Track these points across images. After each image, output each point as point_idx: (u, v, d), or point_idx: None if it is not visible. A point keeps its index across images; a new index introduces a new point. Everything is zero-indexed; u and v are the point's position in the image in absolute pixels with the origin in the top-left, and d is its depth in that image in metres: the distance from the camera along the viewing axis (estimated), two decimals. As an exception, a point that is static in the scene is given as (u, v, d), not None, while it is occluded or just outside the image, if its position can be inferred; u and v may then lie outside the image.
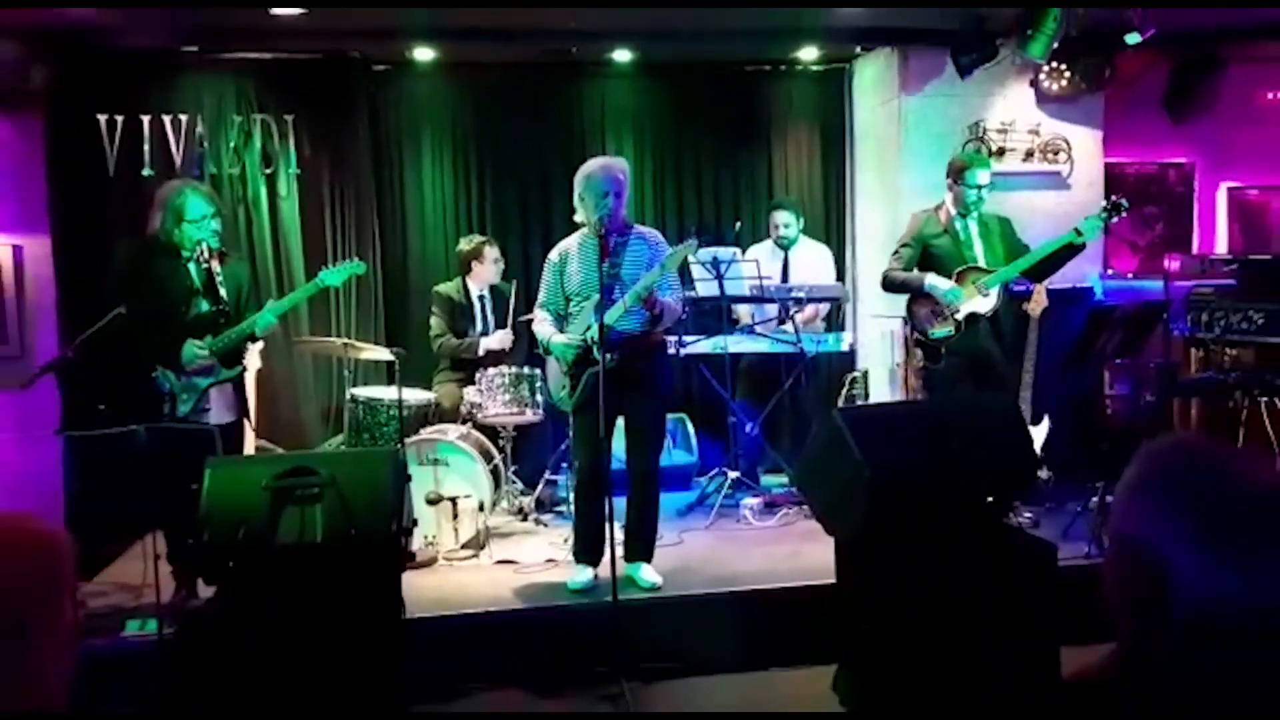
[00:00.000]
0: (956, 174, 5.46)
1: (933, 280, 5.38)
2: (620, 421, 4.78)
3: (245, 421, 5.06)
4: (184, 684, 3.48)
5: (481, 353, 6.01)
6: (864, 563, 3.79)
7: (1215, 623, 1.31)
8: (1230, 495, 1.36)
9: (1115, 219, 5.40)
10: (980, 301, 5.36)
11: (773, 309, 6.35)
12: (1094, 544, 4.82)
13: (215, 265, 4.70)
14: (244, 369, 4.98)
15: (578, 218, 4.75)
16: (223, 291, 4.70)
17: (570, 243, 4.82)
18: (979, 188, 5.41)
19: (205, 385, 4.72)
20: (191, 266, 4.72)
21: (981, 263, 5.42)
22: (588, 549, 4.75)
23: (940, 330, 5.42)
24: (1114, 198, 5.45)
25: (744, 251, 6.52)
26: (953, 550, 3.62)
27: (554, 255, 4.85)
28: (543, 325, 4.83)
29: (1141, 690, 1.35)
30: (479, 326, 6.20)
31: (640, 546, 4.79)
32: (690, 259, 5.36)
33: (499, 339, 6.05)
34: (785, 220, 6.55)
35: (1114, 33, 5.98)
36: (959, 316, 5.35)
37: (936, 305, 5.40)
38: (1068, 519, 5.21)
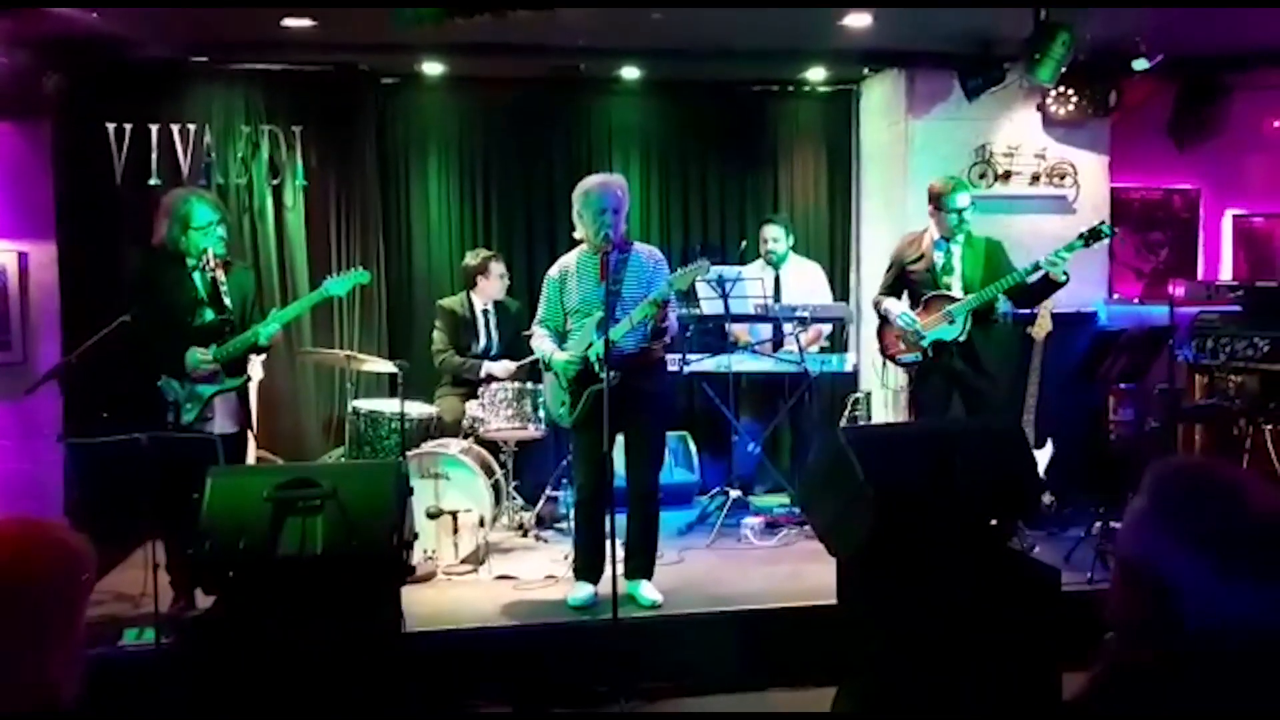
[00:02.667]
0: (936, 199, 5.42)
1: (889, 306, 5.52)
2: (620, 438, 4.77)
3: (248, 432, 5.05)
4: (181, 694, 3.46)
5: (483, 375, 5.99)
6: (866, 584, 3.77)
7: (1226, 644, 1.30)
8: (1241, 519, 1.35)
9: (1095, 243, 5.29)
10: (947, 329, 5.37)
11: (767, 331, 6.35)
12: (1097, 568, 4.80)
13: (220, 274, 4.71)
14: (248, 378, 4.98)
15: (577, 234, 4.75)
16: (228, 301, 4.71)
17: (570, 260, 4.81)
18: (959, 211, 5.37)
19: (209, 394, 4.71)
20: (197, 276, 4.72)
21: (957, 289, 5.40)
22: (588, 566, 4.74)
23: (908, 356, 5.52)
24: (1099, 224, 5.33)
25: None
26: (956, 573, 3.61)
27: (554, 272, 4.84)
28: (542, 341, 4.82)
29: (1143, 710, 1.34)
30: (482, 342, 6.19)
31: (641, 564, 4.77)
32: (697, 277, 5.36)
33: (502, 368, 6.01)
34: (774, 235, 6.53)
35: (1121, 59, 6.00)
36: (923, 344, 5.38)
37: (904, 331, 5.46)
38: (1071, 543, 5.19)
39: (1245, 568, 1.31)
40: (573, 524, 4.95)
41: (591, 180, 4.72)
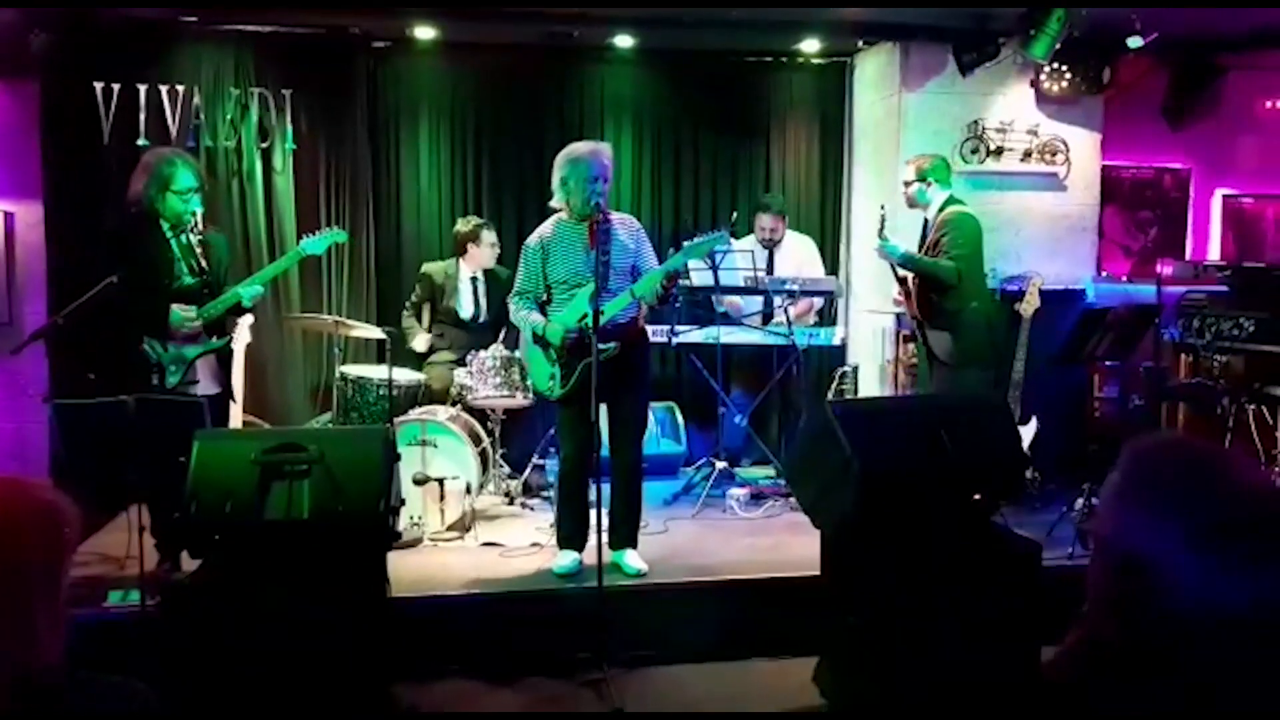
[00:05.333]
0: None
1: None
2: (602, 409, 4.77)
3: (230, 397, 5.04)
4: (165, 656, 3.47)
5: (419, 347, 6.06)
6: (849, 556, 3.80)
7: (1197, 620, 1.31)
8: (1213, 495, 1.36)
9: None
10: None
11: (757, 305, 6.34)
12: (1078, 544, 4.85)
13: (192, 238, 4.70)
14: (231, 339, 4.96)
15: (555, 202, 4.71)
16: (205, 262, 4.71)
17: (548, 230, 4.74)
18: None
19: (193, 356, 4.71)
20: (173, 239, 4.70)
21: None
22: (572, 535, 4.77)
23: None
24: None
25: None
26: (939, 546, 3.64)
27: (533, 242, 4.75)
28: (530, 313, 4.72)
29: (1117, 688, 1.36)
30: (469, 310, 6.17)
31: (625, 534, 4.79)
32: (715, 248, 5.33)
33: (422, 342, 6.16)
34: (771, 224, 6.54)
35: (1116, 36, 5.98)
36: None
37: None
38: (1053, 519, 5.22)
39: (1217, 544, 1.32)
40: (556, 494, 4.96)
41: (582, 147, 4.68)
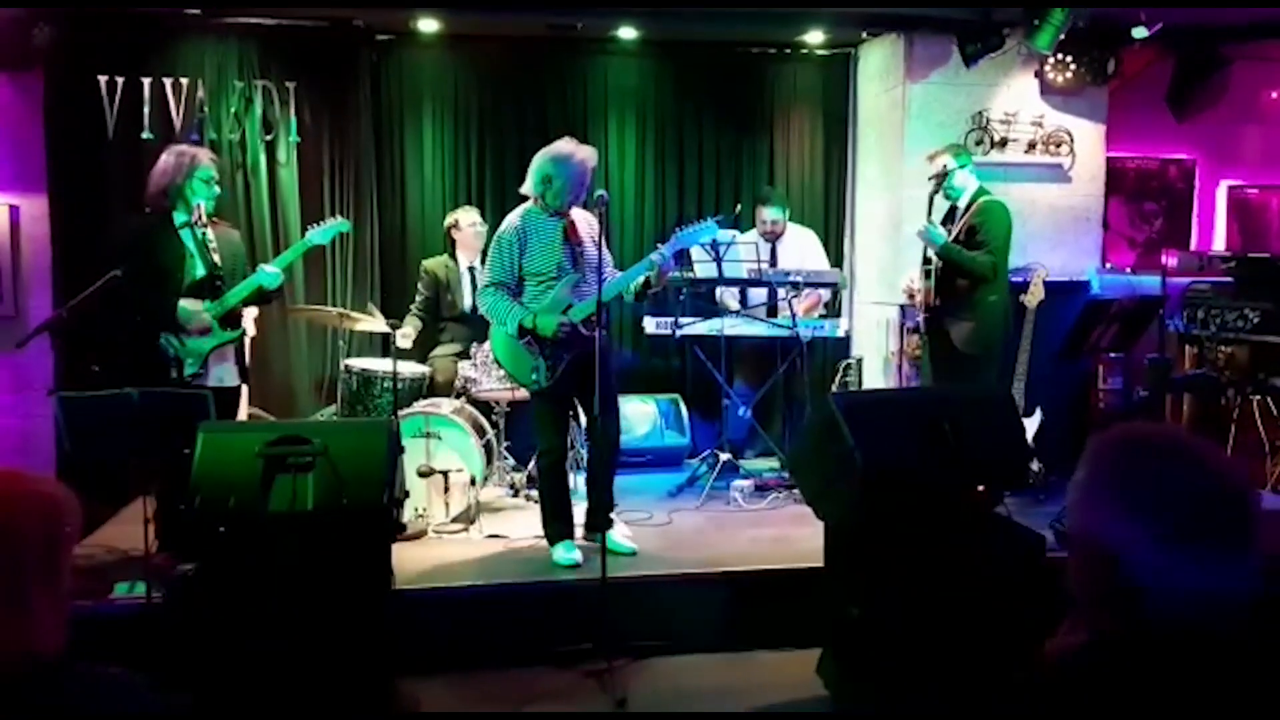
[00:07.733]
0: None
1: None
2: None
3: (243, 386, 5.09)
4: (170, 648, 3.49)
5: (403, 344, 5.85)
6: (853, 548, 3.80)
7: (1181, 615, 1.31)
8: (1176, 484, 1.34)
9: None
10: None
11: (761, 298, 6.34)
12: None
13: (210, 232, 4.73)
14: (244, 332, 4.99)
15: (527, 189, 4.74)
16: (216, 257, 4.74)
17: (519, 221, 4.74)
18: None
19: (209, 348, 4.74)
20: (186, 234, 4.73)
21: None
22: (565, 526, 4.85)
23: None
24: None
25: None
26: (942, 538, 3.64)
27: (508, 233, 4.74)
28: (512, 305, 4.71)
29: (1110, 681, 1.36)
30: (468, 301, 6.17)
31: (607, 515, 4.84)
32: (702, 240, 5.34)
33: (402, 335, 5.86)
34: (773, 217, 6.53)
35: (1120, 27, 5.96)
36: None
37: None
38: (1057, 511, 5.22)
39: (1182, 534, 1.31)
40: (543, 489, 4.95)
41: (578, 151, 4.72)
